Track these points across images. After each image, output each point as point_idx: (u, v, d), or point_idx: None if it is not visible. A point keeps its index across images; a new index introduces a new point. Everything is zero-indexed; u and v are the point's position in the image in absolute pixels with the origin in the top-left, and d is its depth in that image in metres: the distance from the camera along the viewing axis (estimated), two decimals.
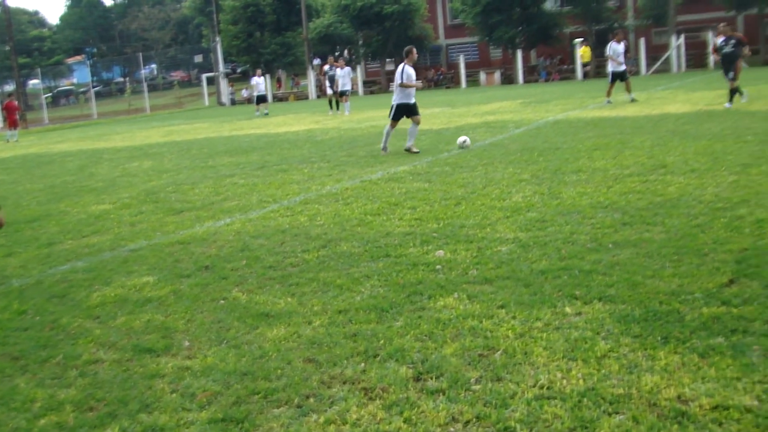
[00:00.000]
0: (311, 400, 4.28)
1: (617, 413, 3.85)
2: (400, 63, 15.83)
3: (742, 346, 4.51)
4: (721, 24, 20.26)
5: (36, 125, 51.97)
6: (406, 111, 15.58)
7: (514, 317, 5.33)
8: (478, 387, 4.26)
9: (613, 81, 24.70)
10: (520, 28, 56.53)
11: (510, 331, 5.06)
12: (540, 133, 17.24)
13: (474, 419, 3.91)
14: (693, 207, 8.28)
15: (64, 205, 12.40)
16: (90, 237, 9.54)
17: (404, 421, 3.95)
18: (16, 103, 38.53)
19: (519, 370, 4.44)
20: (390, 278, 6.52)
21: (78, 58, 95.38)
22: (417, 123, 15.56)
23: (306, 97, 60.03)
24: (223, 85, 63.44)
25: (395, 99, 15.72)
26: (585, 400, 4.00)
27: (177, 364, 4.97)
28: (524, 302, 5.61)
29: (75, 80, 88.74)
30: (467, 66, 58.06)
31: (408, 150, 15.38)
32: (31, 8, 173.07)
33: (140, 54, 70.48)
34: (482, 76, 58.27)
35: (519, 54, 55.87)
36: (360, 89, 59.43)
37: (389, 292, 6.12)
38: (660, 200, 8.78)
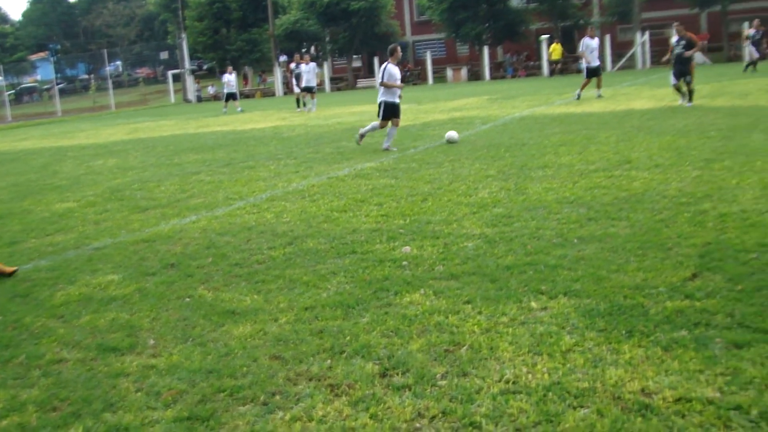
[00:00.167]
0: (277, 397, 4.27)
1: (582, 407, 3.88)
2: (384, 62, 15.62)
3: (705, 339, 4.56)
4: (676, 23, 20.18)
5: None
6: (392, 110, 15.47)
7: (480, 312, 5.34)
8: (443, 382, 4.27)
9: (589, 76, 24.81)
10: (487, 24, 56.66)
11: (476, 326, 5.07)
12: (506, 129, 17.31)
13: (440, 414, 3.92)
14: (657, 202, 8.35)
15: (27, 203, 12.26)
16: (54, 235, 9.44)
17: (370, 417, 3.95)
18: None
19: (485, 365, 4.46)
20: (356, 275, 6.52)
21: (41, 54, 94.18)
22: (396, 126, 15.49)
23: (273, 94, 59.74)
24: (189, 82, 62.98)
25: (380, 97, 15.57)
26: (550, 394, 4.03)
27: (142, 363, 4.93)
28: (490, 297, 5.64)
29: (38, 77, 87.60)
30: (434, 62, 58.12)
31: (386, 149, 15.31)
32: None
33: (105, 51, 69.75)
34: (449, 72, 58.34)
35: (486, 50, 55.99)
36: (327, 86, 59.29)
37: (355, 289, 6.12)
38: (625, 195, 8.85)
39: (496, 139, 15.47)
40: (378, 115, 15.57)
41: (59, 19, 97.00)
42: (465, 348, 4.72)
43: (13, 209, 11.73)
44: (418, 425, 3.85)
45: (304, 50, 58.82)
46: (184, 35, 62.37)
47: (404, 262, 6.78)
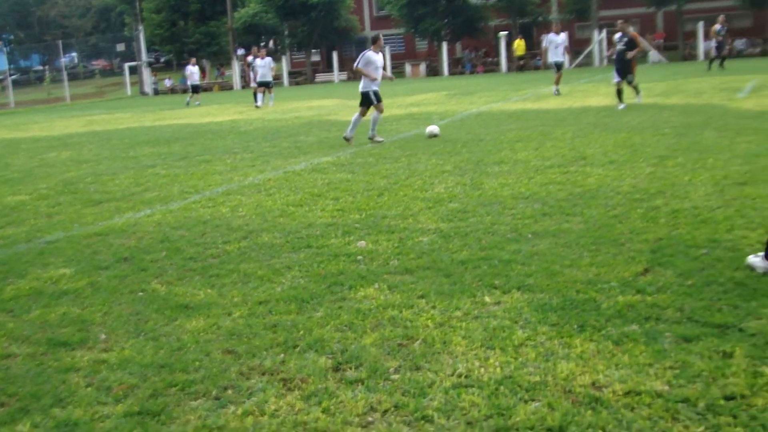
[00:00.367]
0: (229, 391, 4.24)
1: (533, 400, 3.90)
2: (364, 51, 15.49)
3: (655, 333, 4.62)
4: (619, 21, 20.02)
5: None
6: (367, 98, 15.30)
7: (434, 307, 5.36)
8: (396, 376, 4.27)
9: (559, 70, 24.89)
10: (446, 20, 56.88)
11: (429, 320, 5.09)
12: (464, 124, 17.38)
13: (392, 408, 3.92)
14: (611, 198, 8.44)
15: None
16: (4, 228, 9.29)
17: (323, 412, 3.94)
18: None
19: (438, 359, 4.47)
20: (311, 269, 6.51)
21: None
22: (362, 115, 15.42)
23: (231, 88, 59.47)
24: (146, 75, 62.42)
25: (361, 87, 15.45)
26: (502, 387, 4.04)
27: (93, 358, 4.87)
28: (444, 292, 5.65)
29: None
30: (393, 57, 58.17)
31: (371, 138, 15.24)
32: None
33: (60, 42, 68.82)
34: (408, 67, 58.49)
35: (444, 46, 56.22)
36: (285, 80, 59.13)
37: (310, 283, 6.10)
38: (579, 191, 8.93)
39: (453, 134, 15.53)
40: (374, 103, 15.37)
41: (12, 8, 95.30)
42: (418, 342, 4.73)
43: None
44: (370, 419, 3.84)
45: (262, 44, 58.60)
46: (141, 27, 61.79)
47: (359, 257, 6.78)
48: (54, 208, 10.37)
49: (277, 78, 52.83)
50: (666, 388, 3.93)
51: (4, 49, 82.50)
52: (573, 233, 7.07)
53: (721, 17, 33.12)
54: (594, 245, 6.63)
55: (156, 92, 61.22)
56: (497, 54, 56.00)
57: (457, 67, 58.61)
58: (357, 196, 9.58)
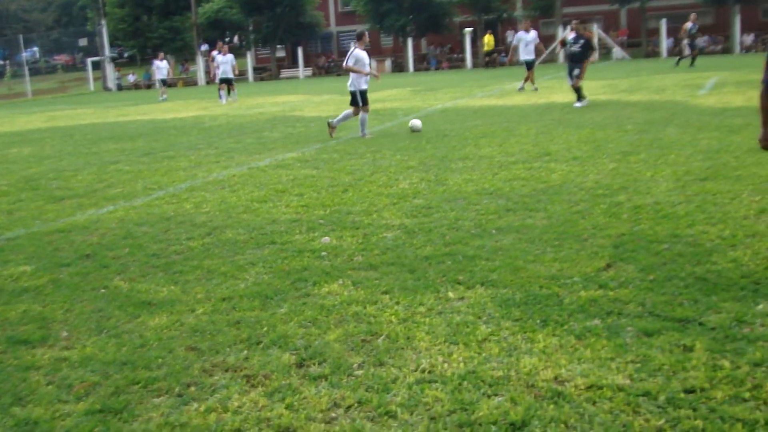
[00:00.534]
0: (192, 388, 4.22)
1: (496, 395, 3.92)
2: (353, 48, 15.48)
3: (617, 327, 4.66)
4: (574, 21, 19.76)
5: None
6: (356, 97, 15.29)
7: (397, 303, 5.37)
8: (360, 372, 4.28)
9: (530, 68, 24.75)
10: (411, 16, 56.84)
11: (393, 316, 5.09)
12: (428, 120, 17.40)
13: (356, 404, 3.92)
14: (574, 194, 8.50)
15: None
16: None
17: (286, 408, 3.93)
18: None
19: (401, 354, 4.48)
20: (275, 265, 6.49)
21: None
22: (355, 114, 15.41)
23: (195, 83, 59.07)
24: (109, 70, 61.79)
25: (350, 85, 15.44)
26: (465, 382, 4.06)
27: (54, 355, 4.82)
28: (408, 288, 5.66)
29: None
30: None
31: (364, 136, 15.22)
32: None
33: (21, 36, 67.90)
34: (373, 63, 58.39)
35: (410, 42, 56.24)
36: (250, 76, 58.86)
37: (274, 279, 6.09)
38: (543, 187, 8.98)
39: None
40: (360, 104, 15.39)
41: None
42: (382, 338, 4.74)
43: None
44: (333, 415, 3.84)
45: (227, 39, 58.27)
46: (103, 22, 61.12)
47: (323, 253, 6.77)
48: (14, 205, 10.25)
49: (242, 74, 52.62)
50: (627, 381, 3.97)
51: None
52: (536, 229, 7.11)
53: (693, 15, 33.25)
54: (557, 241, 6.67)
55: (119, 88, 60.63)
56: (462, 50, 56.16)
57: (423, 63, 58.67)
58: (321, 192, 9.57)
